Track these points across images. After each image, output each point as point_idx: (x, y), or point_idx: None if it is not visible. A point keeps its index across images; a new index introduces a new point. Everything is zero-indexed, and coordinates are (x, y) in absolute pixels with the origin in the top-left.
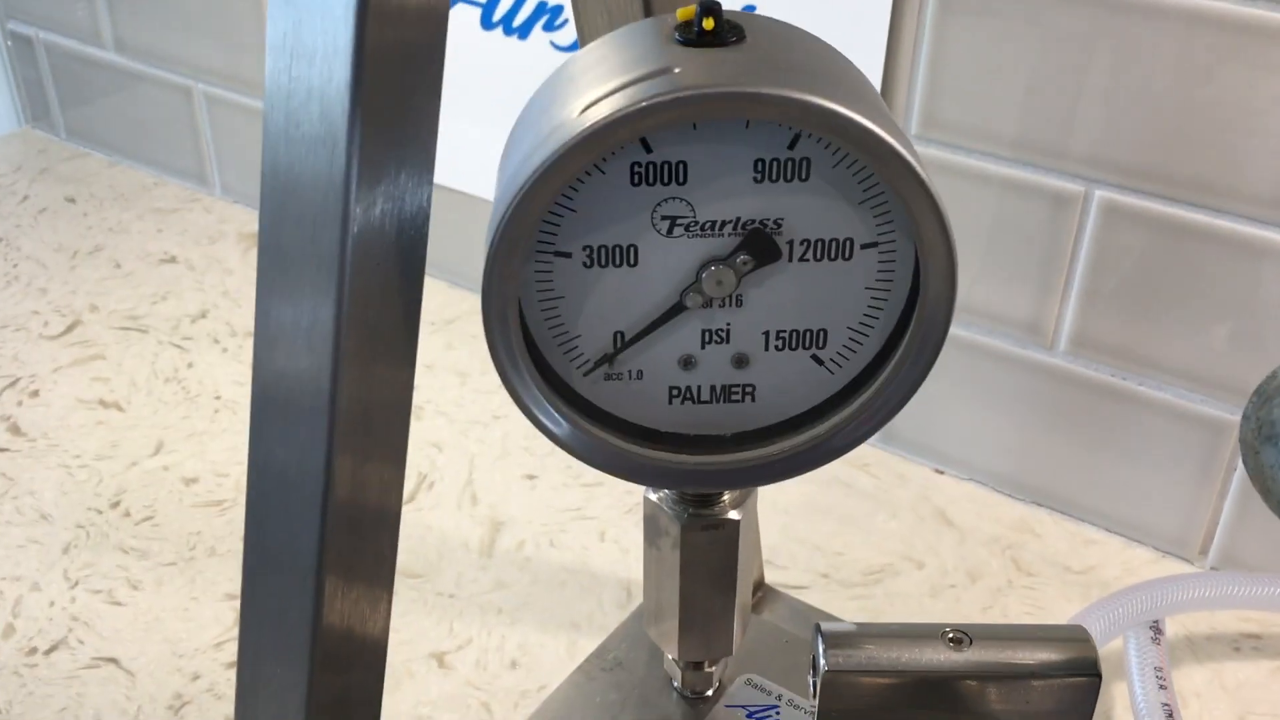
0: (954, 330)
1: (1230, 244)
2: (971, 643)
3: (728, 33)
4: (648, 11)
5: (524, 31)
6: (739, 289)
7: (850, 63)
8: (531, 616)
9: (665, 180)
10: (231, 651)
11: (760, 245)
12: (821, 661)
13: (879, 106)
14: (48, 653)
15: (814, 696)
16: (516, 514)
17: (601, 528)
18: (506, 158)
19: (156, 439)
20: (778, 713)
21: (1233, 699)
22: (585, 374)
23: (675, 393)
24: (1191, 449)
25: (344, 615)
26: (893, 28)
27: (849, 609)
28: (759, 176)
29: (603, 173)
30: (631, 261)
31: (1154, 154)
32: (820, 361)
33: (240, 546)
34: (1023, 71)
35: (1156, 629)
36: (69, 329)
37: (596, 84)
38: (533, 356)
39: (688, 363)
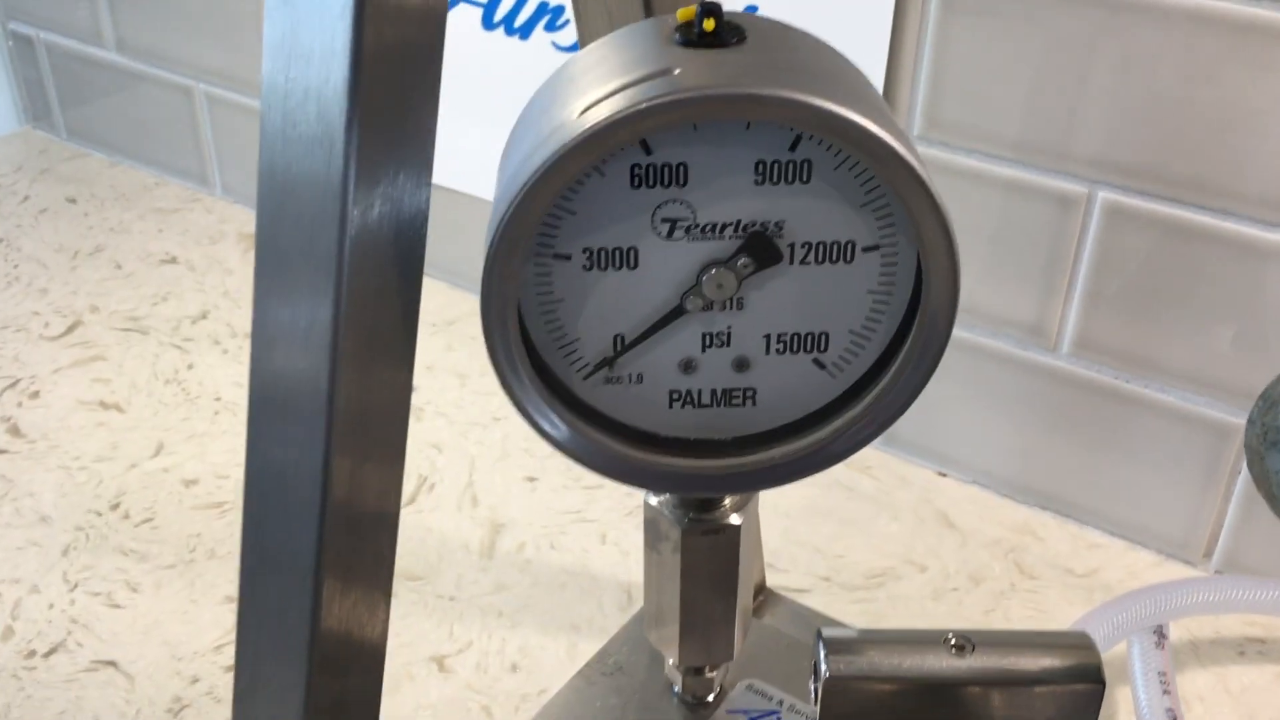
0: (957, 332)
1: (1234, 245)
2: (974, 649)
3: (728, 34)
4: (648, 12)
5: (525, 32)
6: (740, 292)
7: (852, 64)
8: (532, 619)
9: (665, 182)
10: (231, 654)
11: (761, 248)
12: (823, 667)
13: (880, 108)
14: (46, 655)
15: (815, 703)
16: (517, 516)
17: (602, 530)
18: (506, 159)
19: (157, 440)
20: (779, 718)
21: (1237, 703)
22: (585, 377)
23: (676, 396)
24: (1195, 452)
25: (342, 618)
26: (895, 28)
27: (850, 612)
28: (760, 179)
29: (602, 174)
30: (631, 264)
31: (1158, 155)
32: (822, 365)
33: (240, 549)
34: (1026, 72)
35: (1160, 633)
36: (69, 330)
37: (596, 85)
38: (532, 360)
39: (688, 366)
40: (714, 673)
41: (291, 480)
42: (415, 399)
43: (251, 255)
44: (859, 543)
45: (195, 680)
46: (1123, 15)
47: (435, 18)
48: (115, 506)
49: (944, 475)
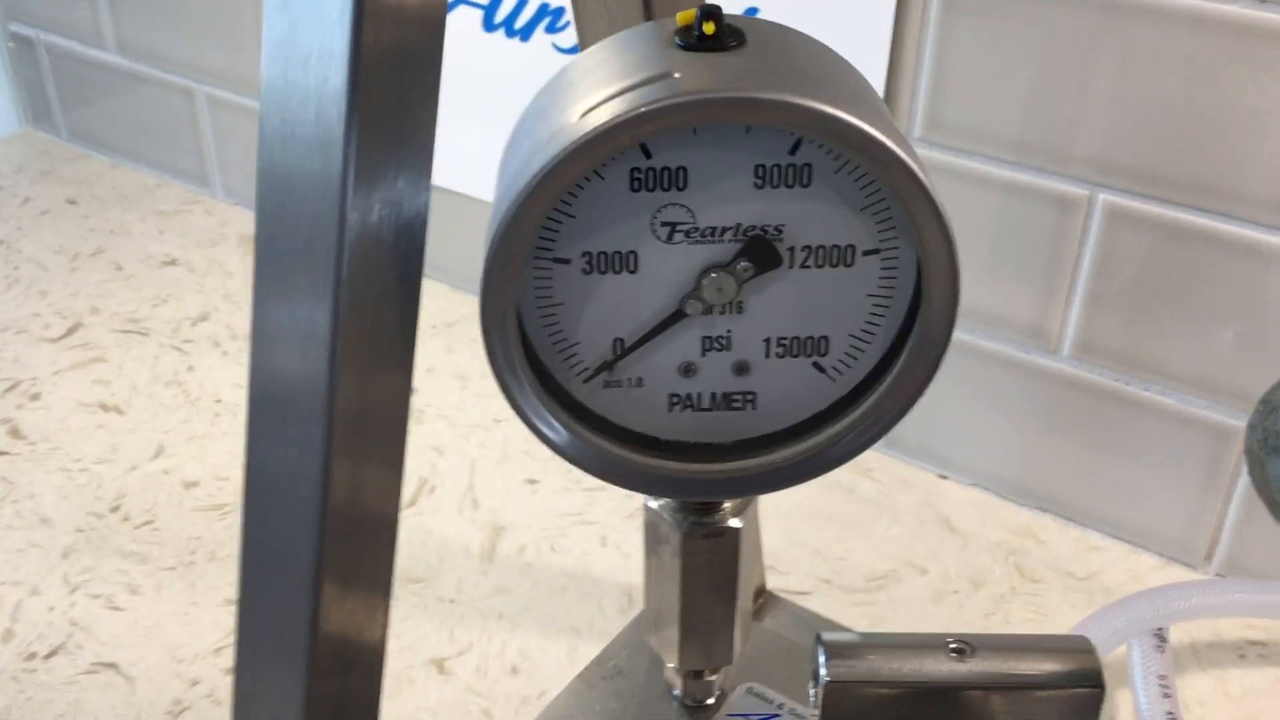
0: (957, 334)
1: (1235, 248)
2: (974, 653)
3: (728, 37)
4: (648, 15)
5: (526, 33)
6: (740, 296)
7: (852, 67)
8: (532, 622)
9: (665, 186)
10: (231, 656)
11: (761, 252)
12: (823, 672)
13: (881, 111)
14: (47, 658)
15: (815, 707)
16: (517, 519)
17: (603, 532)
18: (505, 162)
19: (157, 442)
20: None
21: (1237, 707)
22: (584, 381)
23: (675, 400)
24: (1196, 454)
25: (342, 621)
26: (896, 30)
27: (851, 615)
28: (760, 182)
29: (602, 178)
30: (631, 268)
31: (1159, 157)
32: (822, 369)
33: (239, 552)
34: (1027, 74)
35: (1160, 637)
36: (70, 332)
37: (596, 88)
38: (531, 363)
39: (688, 370)
40: (714, 676)
41: (291, 483)
42: (416, 401)
43: (252, 257)
44: (860, 545)
45: (195, 683)
46: (1123, 17)
47: (434, 20)
48: (116, 508)
49: (945, 478)
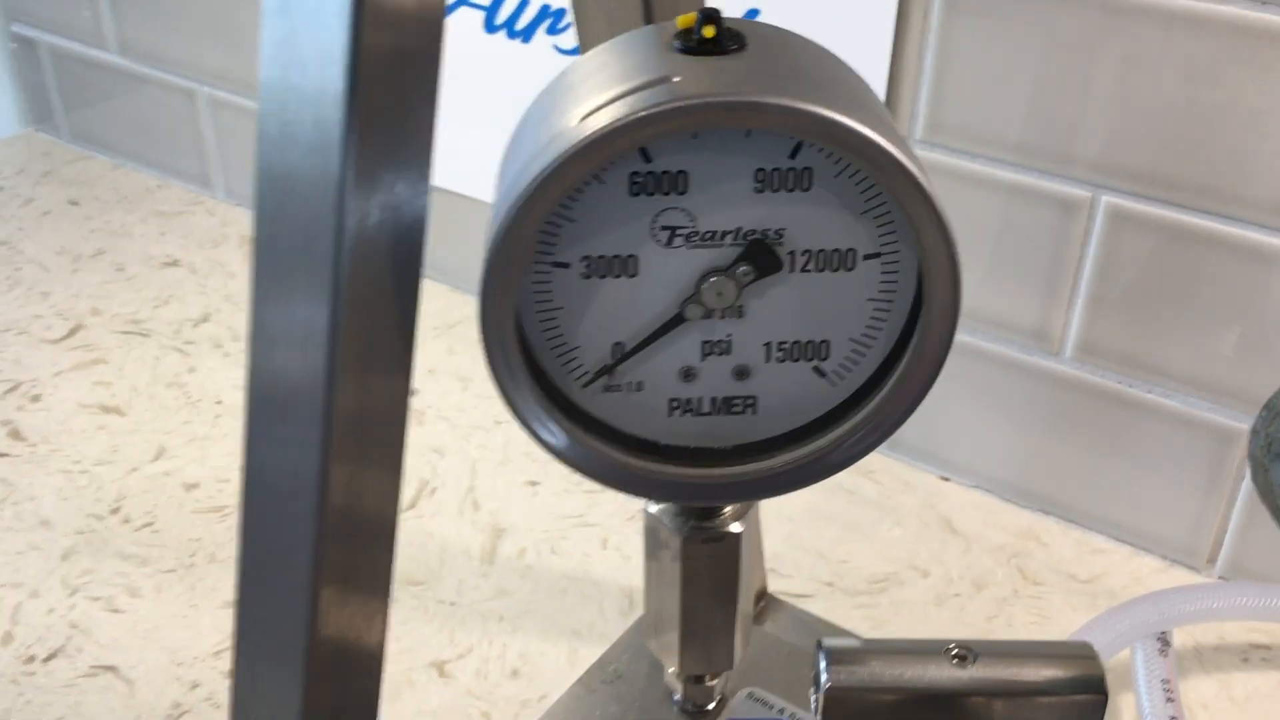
0: (959, 336)
1: (1238, 250)
2: (976, 660)
3: (728, 40)
4: (648, 18)
5: (527, 35)
6: (740, 300)
7: (852, 70)
8: (533, 624)
9: (665, 190)
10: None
11: (761, 256)
12: (824, 678)
13: (881, 114)
14: (46, 660)
15: (816, 713)
16: (518, 521)
17: (604, 535)
18: (505, 166)
19: (157, 444)
20: None
21: (1241, 711)
22: (584, 385)
23: (675, 405)
24: (1199, 457)
25: (340, 626)
26: (898, 32)
27: (853, 618)
28: (760, 186)
29: (602, 182)
30: (631, 272)
31: (1161, 159)
32: (822, 373)
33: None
34: (1029, 76)
35: (1164, 640)
36: (71, 333)
37: (595, 92)
38: (530, 367)
39: (688, 374)
40: (714, 681)
41: (289, 485)
42: (417, 402)
43: None
44: (862, 548)
45: (195, 685)
46: (1125, 18)
47: (433, 23)
48: (116, 510)
49: (947, 480)
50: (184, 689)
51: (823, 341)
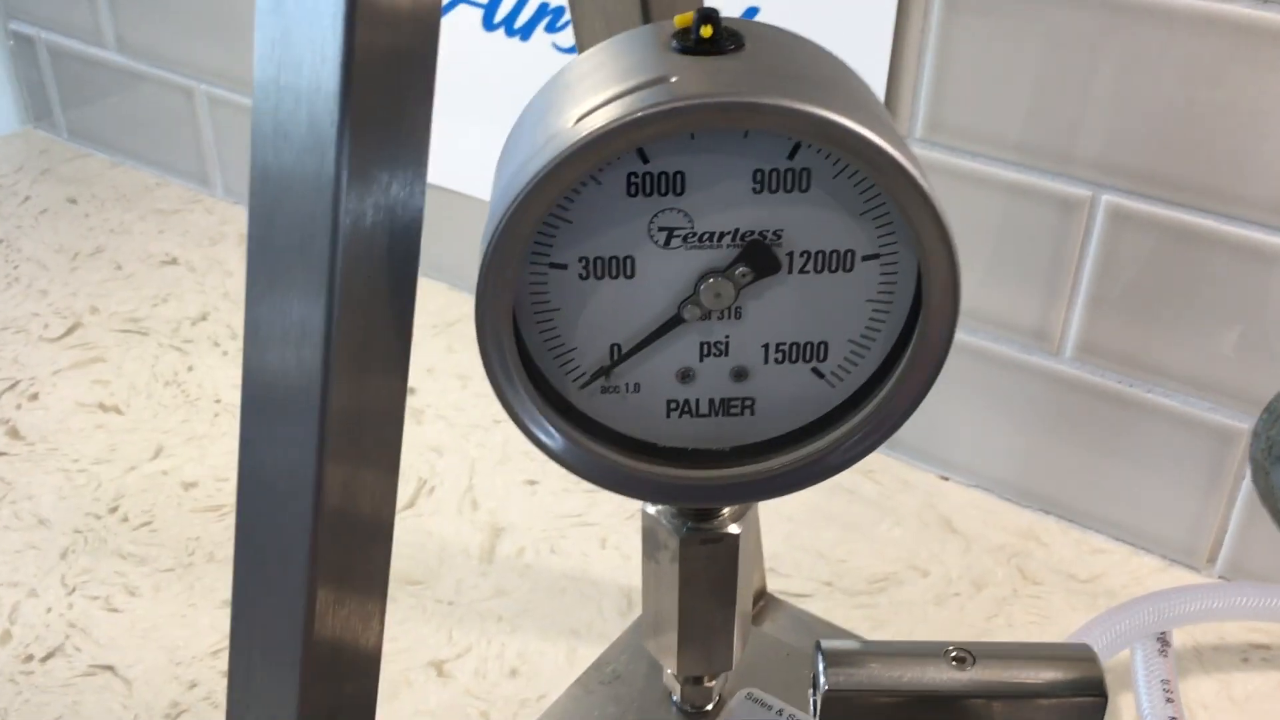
0: (959, 336)
1: (1239, 249)
2: (975, 662)
3: (726, 40)
4: (646, 18)
5: (526, 33)
6: (738, 301)
7: (851, 70)
8: (531, 624)
9: (662, 191)
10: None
11: (759, 257)
12: (822, 680)
13: (880, 115)
14: (44, 660)
15: (815, 715)
16: (517, 520)
17: (602, 534)
18: (501, 166)
19: (156, 443)
20: None
21: (1241, 711)
22: (581, 387)
23: (673, 406)
24: (1199, 456)
25: (336, 627)
26: (897, 31)
27: (853, 618)
28: (758, 187)
29: (599, 183)
30: (628, 273)
31: (1162, 158)
32: (821, 375)
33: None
34: (1029, 75)
35: (1163, 641)
36: (69, 331)
37: (592, 92)
38: (528, 368)
39: (686, 376)
40: (713, 682)
41: (284, 486)
42: (415, 401)
43: None
44: (861, 547)
45: (193, 685)
46: (1125, 17)
47: (428, 23)
48: (114, 509)
49: (947, 480)
50: (182, 688)
51: (821, 343)
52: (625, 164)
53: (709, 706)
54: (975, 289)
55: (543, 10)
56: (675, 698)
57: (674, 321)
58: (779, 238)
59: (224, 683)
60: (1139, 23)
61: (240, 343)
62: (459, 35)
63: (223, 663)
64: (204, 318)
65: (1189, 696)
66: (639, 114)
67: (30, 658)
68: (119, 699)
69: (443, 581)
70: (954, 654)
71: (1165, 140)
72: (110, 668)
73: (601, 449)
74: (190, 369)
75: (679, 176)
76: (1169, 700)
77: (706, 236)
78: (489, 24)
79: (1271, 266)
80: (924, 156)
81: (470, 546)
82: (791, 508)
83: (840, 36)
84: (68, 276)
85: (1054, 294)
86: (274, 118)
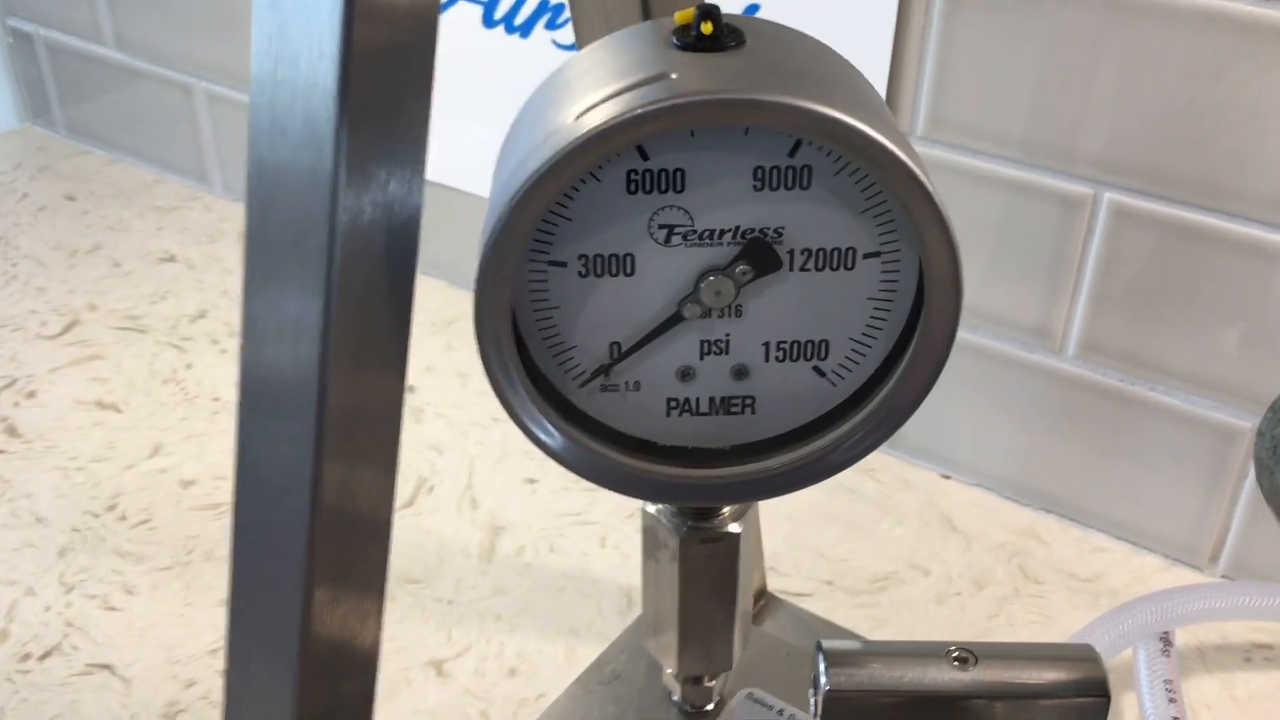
0: (961, 334)
1: (1242, 247)
2: (977, 662)
3: (726, 37)
4: (646, 14)
5: (525, 30)
6: (738, 299)
7: (853, 67)
8: (531, 623)
9: (662, 188)
10: None
11: (760, 255)
12: (823, 680)
13: (881, 112)
14: (42, 659)
15: (816, 715)
16: (516, 519)
17: (602, 533)
18: (501, 163)
19: (154, 441)
20: None
21: (1244, 711)
22: (581, 385)
23: (673, 404)
24: (1202, 455)
25: (334, 626)
26: (899, 28)
27: (853, 617)
28: (759, 184)
29: (598, 180)
30: (628, 271)
31: (1164, 156)
32: (822, 373)
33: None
34: (1031, 72)
35: (1166, 640)
36: (67, 329)
37: (592, 89)
38: (527, 367)
39: (686, 374)
40: (713, 682)
41: (281, 483)
42: (415, 399)
43: None
44: (862, 546)
45: (191, 684)
46: (1129, 15)
47: (427, 18)
48: (112, 508)
49: (948, 478)
50: (180, 687)
51: (822, 341)
52: (625, 161)
53: (709, 706)
54: (977, 287)
55: (543, 7)
56: (675, 697)
57: (674, 320)
58: (780, 235)
59: (222, 681)
60: (1141, 20)
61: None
62: (458, 32)
63: (221, 661)
64: (203, 315)
65: (1192, 696)
66: (639, 111)
67: (28, 656)
68: (117, 698)
69: (442, 580)
70: (956, 654)
71: (1167, 138)
72: (108, 666)
73: (601, 448)
74: (189, 367)
75: (679, 174)
76: (1171, 700)
77: (707, 234)
78: (489, 21)
79: (1274, 264)
80: (925, 154)
81: (469, 545)
82: (792, 506)
83: (841, 33)
84: (66, 274)
85: (1056, 292)
86: (271, 113)
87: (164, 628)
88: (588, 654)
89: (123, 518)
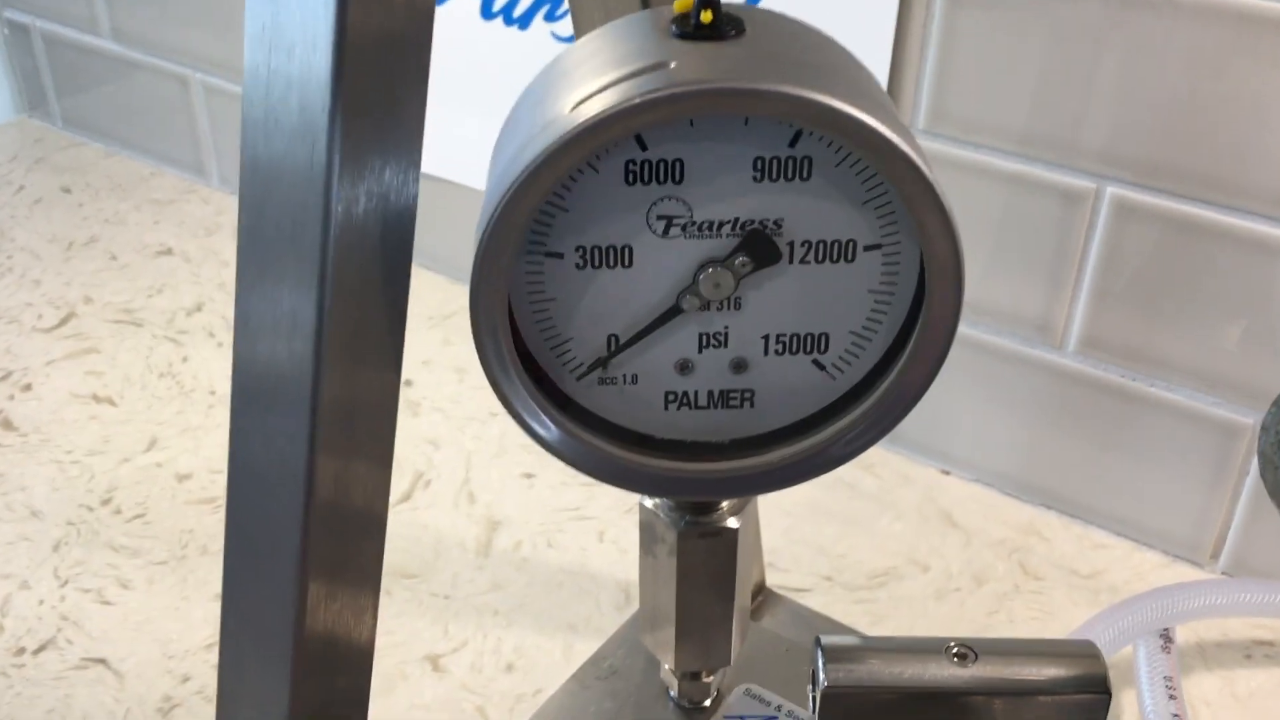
0: (961, 329)
1: (1244, 242)
2: (977, 658)
3: (726, 26)
4: (645, 3)
5: (524, 22)
6: (737, 291)
7: (854, 57)
8: (528, 618)
9: (661, 179)
10: None
11: (759, 247)
12: (821, 676)
13: (883, 103)
14: (36, 653)
15: (814, 711)
16: (514, 513)
17: (600, 528)
18: (497, 154)
19: (150, 434)
20: None
21: (1244, 708)
22: (578, 378)
23: (671, 398)
24: (1203, 451)
25: (328, 620)
26: (900, 20)
27: (852, 613)
28: (758, 175)
29: (596, 171)
30: (626, 263)
31: (1166, 150)
32: (821, 366)
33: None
34: (1033, 66)
35: (1166, 637)
36: (63, 322)
37: (590, 78)
38: (523, 360)
39: (684, 367)
40: (711, 677)
41: (275, 477)
42: (412, 394)
43: None
44: (861, 542)
45: (186, 679)
46: (1131, 8)
47: (422, 6)
48: (107, 501)
49: (948, 474)
50: (175, 682)
51: (822, 334)
52: (623, 151)
53: (707, 702)
54: (978, 282)
55: None
56: (673, 693)
57: (672, 312)
58: (779, 227)
59: (216, 676)
60: (1143, 13)
61: None
62: (457, 24)
63: (216, 656)
64: (199, 309)
65: (1192, 693)
66: (637, 100)
67: (22, 650)
68: (111, 692)
69: (439, 575)
70: (955, 650)
71: (1169, 132)
72: (103, 661)
73: (598, 441)
74: (185, 360)
75: (678, 164)
76: (1172, 697)
77: (706, 226)
78: (487, 12)
79: (1276, 259)
80: (927, 148)
81: (467, 540)
82: (791, 502)
83: (842, 25)
84: (61, 266)
85: (1057, 287)
86: (264, 103)
87: (159, 622)
88: (585, 649)
89: (118, 511)
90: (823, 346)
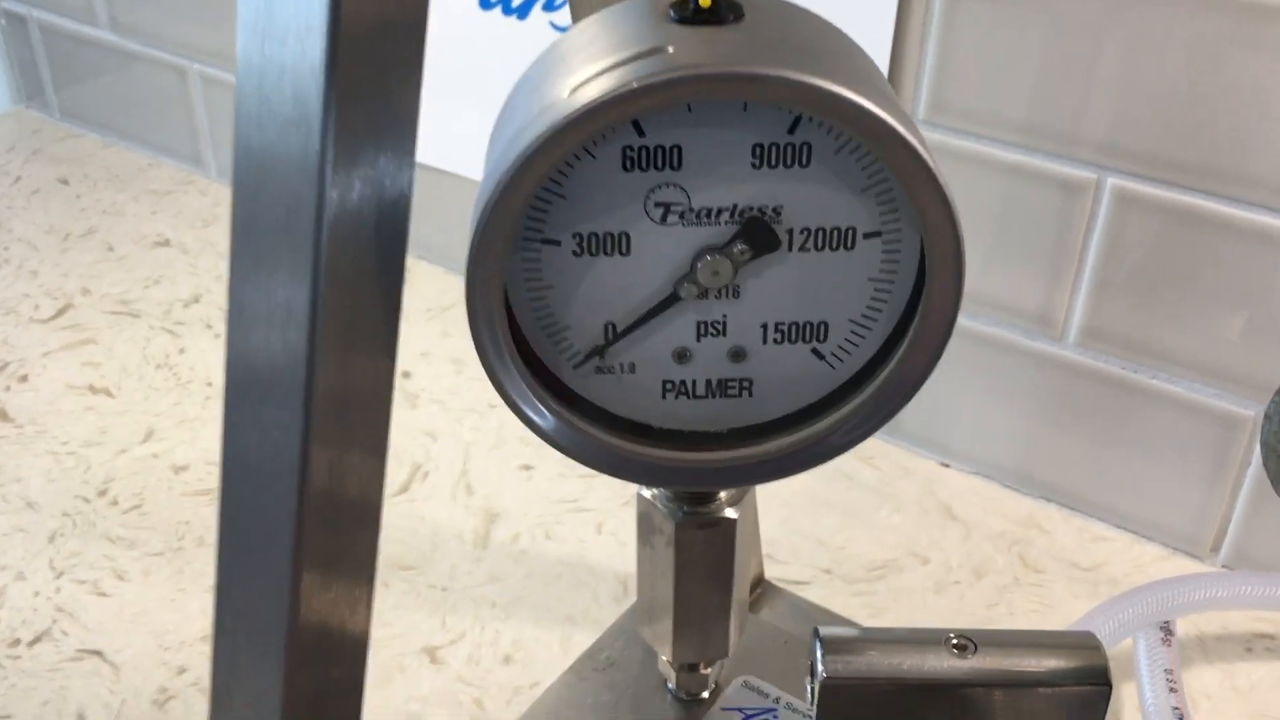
0: (961, 320)
1: (1245, 233)
2: (976, 649)
3: (725, 10)
4: None
5: (523, 11)
6: (736, 279)
7: (854, 43)
8: (526, 611)
9: (659, 165)
10: None
11: (758, 234)
12: (819, 668)
13: (883, 89)
14: (31, 644)
15: (812, 703)
16: (512, 505)
17: (598, 520)
18: (494, 140)
19: (147, 426)
20: (775, 716)
21: (1245, 701)
22: (575, 367)
23: (669, 387)
24: (1204, 443)
25: (323, 611)
26: (901, 8)
27: (851, 605)
28: (757, 162)
29: (593, 157)
30: (623, 250)
31: (1168, 141)
32: (821, 355)
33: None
34: (1034, 55)
35: (1167, 630)
36: (60, 313)
37: (587, 63)
38: (520, 348)
39: (682, 356)
40: (709, 669)
41: (269, 468)
42: (410, 386)
43: None
44: (860, 534)
45: (182, 670)
46: None
47: None
48: (103, 492)
49: (947, 466)
50: (170, 673)
51: (821, 323)
52: (621, 137)
53: (705, 694)
54: (978, 273)
55: None
56: (670, 685)
57: (670, 300)
58: (778, 214)
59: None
60: (1143, 4)
61: None
62: (455, 14)
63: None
64: (196, 300)
65: (1192, 686)
66: (635, 85)
67: (17, 642)
68: (106, 684)
69: (436, 567)
70: (955, 641)
71: (1170, 122)
72: (98, 652)
73: (596, 431)
74: (182, 351)
75: (676, 150)
76: (1172, 690)
77: (704, 213)
78: (485, 3)
79: (1278, 250)
80: (927, 138)
81: (464, 532)
82: (789, 493)
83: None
84: (59, 257)
85: (1058, 278)
86: (258, 92)
87: (155, 613)
88: (583, 641)
89: (114, 503)
90: (822, 335)
